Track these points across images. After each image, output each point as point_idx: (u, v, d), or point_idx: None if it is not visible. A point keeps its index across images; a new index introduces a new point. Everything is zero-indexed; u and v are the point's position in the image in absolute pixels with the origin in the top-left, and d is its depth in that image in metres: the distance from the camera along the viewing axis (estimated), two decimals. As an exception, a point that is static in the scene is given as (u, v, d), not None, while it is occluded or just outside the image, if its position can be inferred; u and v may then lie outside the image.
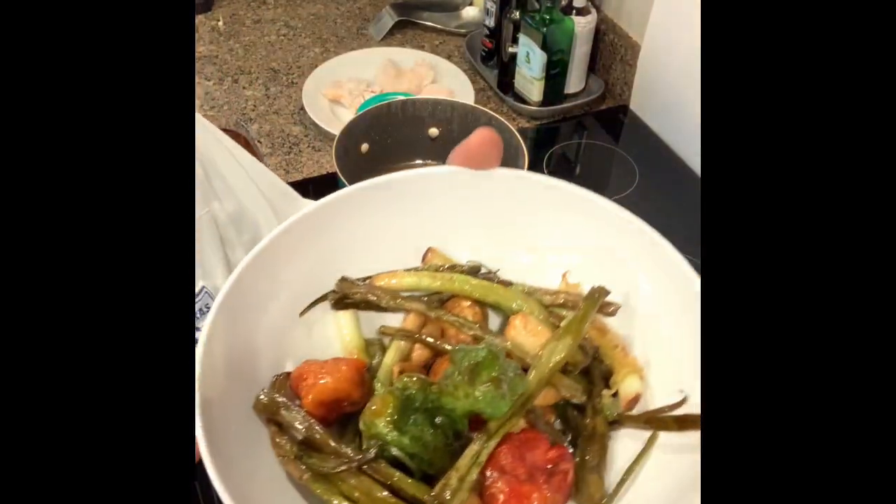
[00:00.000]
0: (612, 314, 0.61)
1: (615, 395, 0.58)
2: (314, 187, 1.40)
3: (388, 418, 0.52)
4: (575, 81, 1.05)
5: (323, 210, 0.63)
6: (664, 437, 0.55)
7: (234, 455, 0.51)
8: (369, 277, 0.65)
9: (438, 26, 1.25)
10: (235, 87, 1.08)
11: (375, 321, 0.65)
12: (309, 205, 0.62)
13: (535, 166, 1.35)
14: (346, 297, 0.64)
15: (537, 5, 1.03)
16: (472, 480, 0.51)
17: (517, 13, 1.05)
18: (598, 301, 0.59)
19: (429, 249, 0.67)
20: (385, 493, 0.50)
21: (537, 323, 0.60)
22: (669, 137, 0.86)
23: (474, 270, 0.66)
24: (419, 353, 0.61)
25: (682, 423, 0.53)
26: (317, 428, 0.53)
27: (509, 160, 1.11)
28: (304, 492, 0.53)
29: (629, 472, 0.54)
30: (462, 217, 0.67)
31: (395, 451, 0.51)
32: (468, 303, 0.63)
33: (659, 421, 0.54)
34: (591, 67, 1.10)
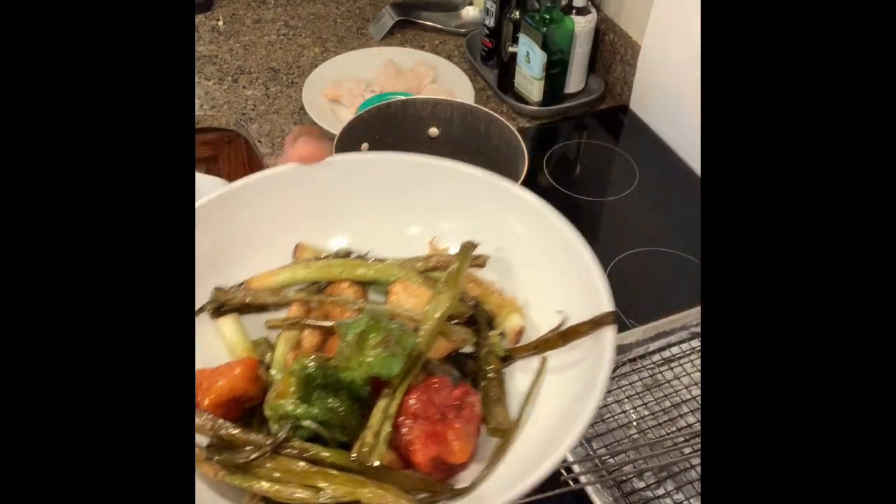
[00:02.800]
0: (483, 265, 0.65)
1: (501, 334, 0.62)
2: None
3: (293, 397, 0.52)
4: (575, 81, 1.06)
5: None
6: (552, 362, 0.59)
7: None
8: (243, 283, 0.65)
9: (438, 26, 1.24)
10: (235, 86, 1.05)
11: (260, 324, 0.64)
12: None
13: (535, 166, 1.30)
14: (223, 305, 0.63)
15: (537, 5, 1.03)
16: (388, 433, 0.52)
17: (517, 13, 1.05)
18: (469, 254, 0.62)
19: (297, 245, 0.68)
20: (305, 465, 0.50)
21: (416, 286, 0.63)
22: (669, 137, 0.88)
23: (345, 255, 0.67)
24: (309, 339, 0.61)
25: (566, 336, 0.57)
26: (223, 424, 0.52)
27: (509, 160, 1.11)
28: (224, 490, 0.51)
29: (529, 396, 0.58)
30: (324, 208, 0.69)
31: (306, 423, 0.51)
32: (347, 284, 0.65)
33: (545, 343, 0.59)
34: (591, 67, 1.10)
